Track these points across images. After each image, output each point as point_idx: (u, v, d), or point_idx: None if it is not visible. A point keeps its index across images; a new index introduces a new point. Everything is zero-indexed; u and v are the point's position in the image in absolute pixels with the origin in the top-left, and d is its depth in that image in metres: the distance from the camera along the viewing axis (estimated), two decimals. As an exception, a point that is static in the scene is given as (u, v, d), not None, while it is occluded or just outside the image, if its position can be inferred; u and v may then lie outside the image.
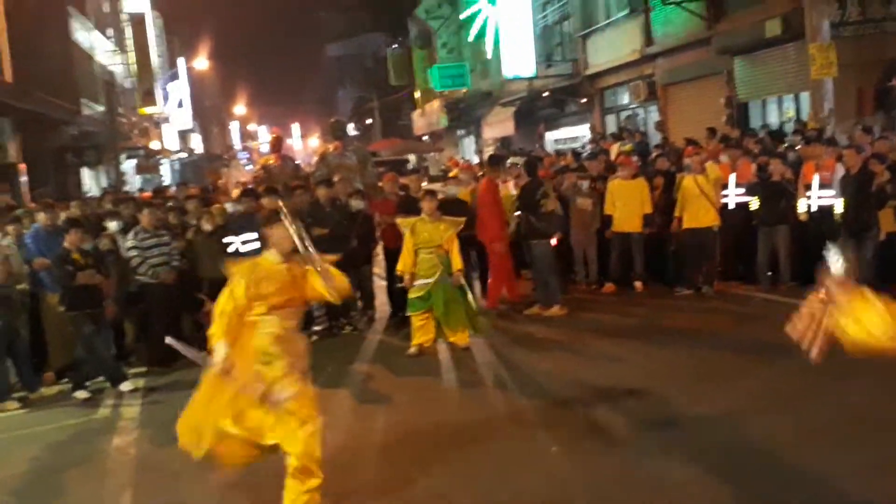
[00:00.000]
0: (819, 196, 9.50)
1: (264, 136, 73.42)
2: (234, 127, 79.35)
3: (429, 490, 5.11)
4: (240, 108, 75.72)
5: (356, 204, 10.07)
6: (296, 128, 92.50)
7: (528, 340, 8.75)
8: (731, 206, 10.30)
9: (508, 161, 14.61)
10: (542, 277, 9.95)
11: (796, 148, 11.47)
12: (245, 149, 72.95)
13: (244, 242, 9.49)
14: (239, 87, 74.34)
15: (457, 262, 8.39)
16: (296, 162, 14.08)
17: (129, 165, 33.98)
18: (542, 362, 7.87)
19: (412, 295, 8.42)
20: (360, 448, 5.92)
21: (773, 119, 17.92)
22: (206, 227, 9.66)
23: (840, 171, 9.35)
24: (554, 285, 9.86)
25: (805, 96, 15.71)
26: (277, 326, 4.79)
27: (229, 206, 10.62)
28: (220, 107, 71.16)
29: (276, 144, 13.69)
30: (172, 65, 46.01)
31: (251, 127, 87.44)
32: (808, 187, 9.61)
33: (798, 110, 16.79)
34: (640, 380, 7.01)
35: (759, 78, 17.76)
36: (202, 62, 47.92)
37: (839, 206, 9.26)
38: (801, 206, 9.70)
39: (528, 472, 5.22)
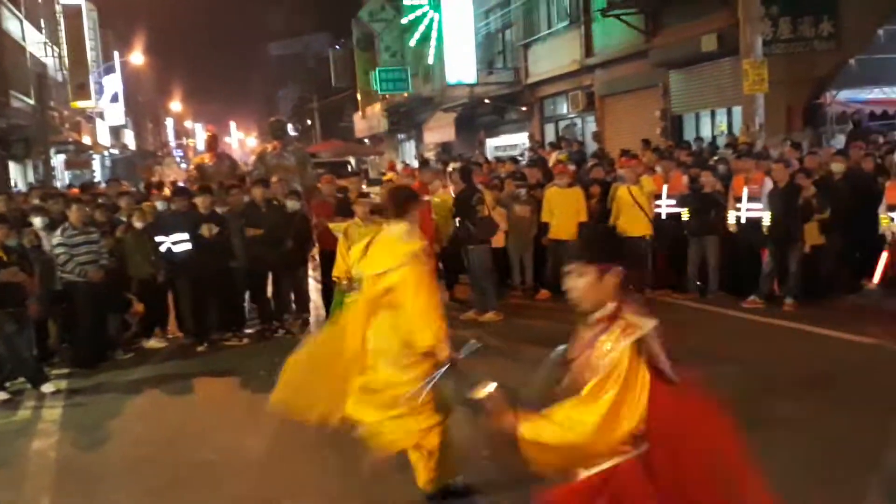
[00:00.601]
0: (748, 208, 9.75)
1: (200, 133, 72.20)
2: (169, 124, 77.79)
3: (362, 493, 5.07)
4: (175, 105, 74.26)
5: (292, 205, 9.96)
6: (233, 126, 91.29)
7: (463, 345, 8.73)
8: (663, 216, 10.51)
9: (450, 167, 14.63)
10: (478, 283, 9.98)
11: (727, 160, 11.75)
12: (179, 146, 71.66)
13: (175, 242, 9.31)
14: (175, 82, 72.91)
15: (392, 266, 8.34)
16: (234, 160, 13.83)
17: (58, 160, 33.00)
18: (476, 367, 7.84)
19: (347, 300, 8.34)
20: (291, 452, 5.85)
21: (706, 132, 18.35)
22: (137, 224, 9.44)
23: (768, 184, 9.61)
24: (490, 291, 9.90)
25: (737, 111, 16.13)
26: None
27: (160, 205, 10.40)
28: (156, 103, 69.65)
29: (212, 143, 13.47)
30: (107, 58, 44.86)
31: (187, 124, 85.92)
32: (738, 199, 9.86)
33: (730, 124, 17.24)
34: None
35: (694, 92, 18.18)
36: (138, 57, 46.81)
37: (767, 219, 9.51)
38: (731, 218, 9.94)
39: (461, 473, 5.21)
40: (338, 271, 8.41)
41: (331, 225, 8.80)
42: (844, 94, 15.95)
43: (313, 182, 12.13)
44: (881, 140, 12.82)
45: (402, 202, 4.68)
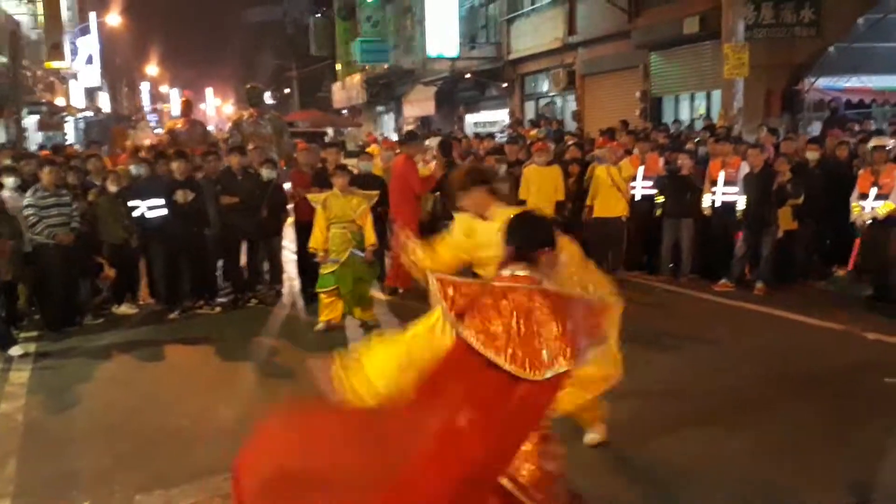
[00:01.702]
0: (723, 192, 9.81)
1: (176, 98, 71.14)
2: (144, 88, 76.57)
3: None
4: (152, 69, 73.04)
5: (268, 173, 9.87)
6: (210, 93, 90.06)
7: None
8: (638, 197, 10.55)
9: (428, 141, 14.54)
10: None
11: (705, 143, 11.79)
12: (155, 111, 70.65)
13: (150, 208, 9.21)
14: (152, 46, 71.50)
15: (370, 238, 8.32)
16: (206, 127, 13.71)
17: (30, 121, 32.39)
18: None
19: (323, 271, 8.33)
20: (262, 420, 5.83)
21: (685, 115, 18.41)
22: (111, 188, 9.31)
23: (744, 168, 9.68)
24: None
25: (717, 94, 16.19)
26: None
27: (134, 169, 10.26)
28: (132, 66, 68.46)
29: (186, 108, 13.32)
30: (83, 19, 43.99)
31: (163, 89, 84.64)
32: (714, 183, 9.92)
33: (709, 108, 17.31)
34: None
35: (674, 74, 18.22)
36: (114, 18, 45.91)
37: (741, 203, 9.59)
38: (706, 201, 10.00)
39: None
40: (314, 242, 8.36)
41: (310, 196, 8.72)
42: (823, 82, 16.05)
43: (290, 151, 12.04)
44: (857, 128, 12.94)
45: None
